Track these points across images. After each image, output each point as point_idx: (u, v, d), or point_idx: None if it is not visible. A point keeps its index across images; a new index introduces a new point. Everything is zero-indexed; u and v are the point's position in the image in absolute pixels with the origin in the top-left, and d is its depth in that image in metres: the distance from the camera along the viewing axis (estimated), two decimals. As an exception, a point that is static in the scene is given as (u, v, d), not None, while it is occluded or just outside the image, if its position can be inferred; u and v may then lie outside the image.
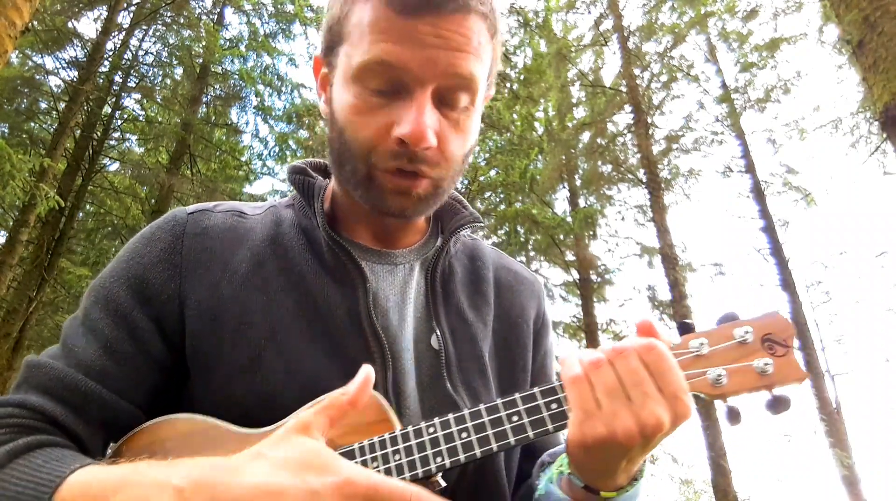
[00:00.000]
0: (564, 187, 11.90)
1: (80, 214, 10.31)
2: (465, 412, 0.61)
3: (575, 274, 11.17)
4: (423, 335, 0.77)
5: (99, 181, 10.32)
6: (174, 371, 0.73)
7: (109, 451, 0.69)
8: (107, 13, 9.59)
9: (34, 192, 6.79)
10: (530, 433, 0.59)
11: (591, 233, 10.83)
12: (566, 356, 0.60)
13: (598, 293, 11.18)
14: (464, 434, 0.60)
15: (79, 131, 9.31)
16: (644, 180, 9.53)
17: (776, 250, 10.69)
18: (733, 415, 0.61)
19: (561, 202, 12.30)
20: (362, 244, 0.82)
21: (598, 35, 11.13)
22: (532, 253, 11.87)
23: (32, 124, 9.92)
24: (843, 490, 9.49)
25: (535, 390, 0.61)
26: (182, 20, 10.29)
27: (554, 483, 0.68)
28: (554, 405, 0.60)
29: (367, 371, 0.61)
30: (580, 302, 11.02)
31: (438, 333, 0.76)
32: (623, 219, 11.39)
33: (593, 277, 10.97)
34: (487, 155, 12.33)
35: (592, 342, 9.69)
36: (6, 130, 9.49)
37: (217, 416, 0.67)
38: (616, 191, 11.24)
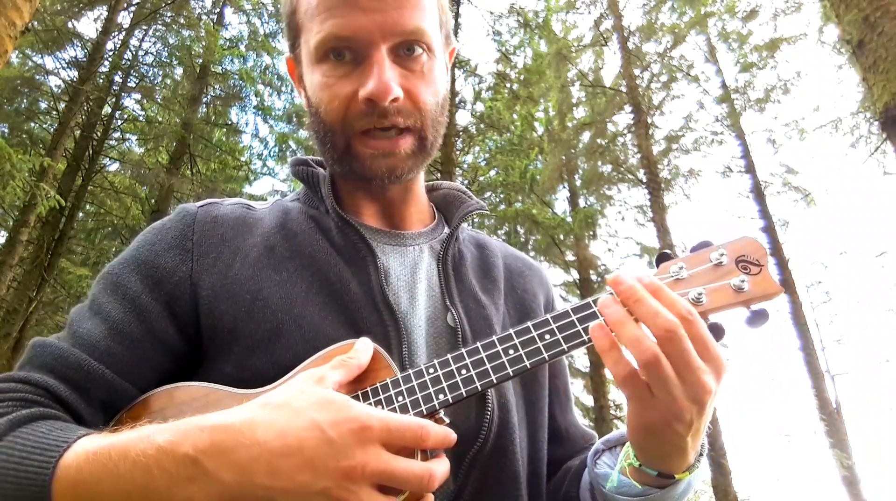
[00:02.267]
0: (564, 187, 11.90)
1: (80, 214, 10.31)
2: (463, 350, 0.64)
3: (575, 274, 11.17)
4: (439, 312, 0.78)
5: (99, 181, 10.31)
6: (186, 354, 0.73)
7: (112, 424, 0.68)
8: (107, 13, 9.59)
9: (34, 192, 6.79)
10: (527, 364, 0.62)
11: (591, 233, 10.83)
12: (613, 343, 0.59)
13: (598, 294, 11.14)
14: (463, 371, 0.63)
15: (79, 131, 9.31)
16: (644, 180, 9.53)
17: (776, 250, 10.69)
18: (716, 331, 0.63)
19: (561, 202, 12.31)
20: (371, 226, 0.84)
21: (598, 35, 11.13)
22: (532, 253, 11.86)
23: (32, 124, 9.92)
24: (843, 490, 9.49)
25: (528, 323, 0.65)
26: (182, 20, 10.29)
27: (628, 476, 0.68)
28: (547, 336, 0.63)
29: (367, 341, 0.65)
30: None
31: (454, 312, 0.77)
32: (623, 219, 11.40)
33: (593, 277, 10.97)
34: (487, 155, 12.33)
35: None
36: (6, 130, 9.48)
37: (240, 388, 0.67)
38: (616, 191, 11.24)
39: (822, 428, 9.97)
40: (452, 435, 0.59)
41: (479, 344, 0.64)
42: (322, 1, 0.72)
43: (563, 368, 0.95)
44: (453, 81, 10.00)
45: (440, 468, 0.56)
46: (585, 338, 0.62)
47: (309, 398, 0.55)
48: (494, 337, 0.64)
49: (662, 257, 0.69)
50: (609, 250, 11.43)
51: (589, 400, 10.82)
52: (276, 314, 0.71)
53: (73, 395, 0.65)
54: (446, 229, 0.90)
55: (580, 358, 11.48)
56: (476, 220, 10.88)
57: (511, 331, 0.64)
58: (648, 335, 0.57)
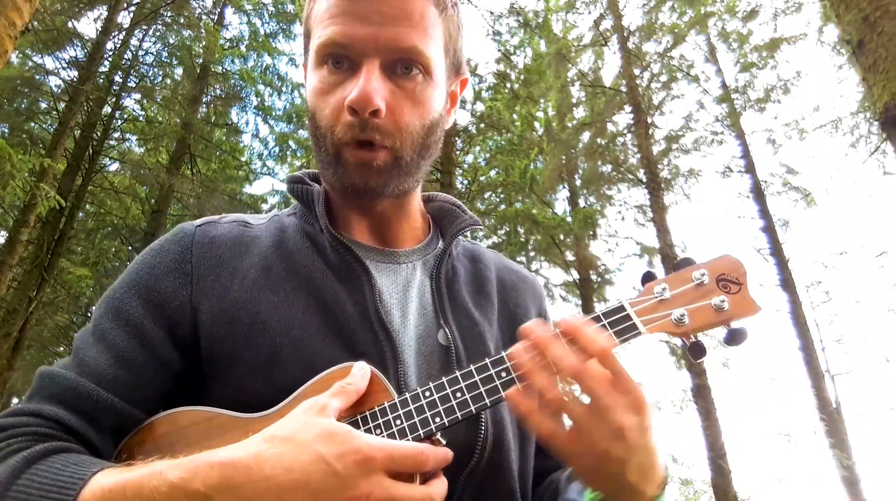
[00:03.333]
0: (564, 187, 11.90)
1: (80, 214, 10.31)
2: (458, 374, 0.66)
3: (575, 274, 11.17)
4: (430, 330, 0.79)
5: (99, 181, 10.31)
6: (187, 377, 0.74)
7: (118, 449, 0.70)
8: (107, 13, 9.59)
9: (34, 192, 6.79)
10: (519, 386, 0.64)
11: (591, 233, 10.83)
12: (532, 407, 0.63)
13: (598, 293, 11.17)
14: (458, 394, 0.64)
15: (79, 131, 9.30)
16: (644, 180, 9.53)
17: (776, 250, 10.69)
18: (697, 350, 0.66)
19: (561, 202, 12.31)
20: (364, 244, 0.84)
21: (597, 35, 11.13)
22: (532, 253, 11.86)
23: (32, 124, 9.92)
24: (843, 490, 9.49)
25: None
26: (182, 20, 10.29)
27: None
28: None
29: (364, 365, 0.66)
30: (580, 302, 11.02)
31: (447, 330, 0.78)
32: (623, 219, 11.39)
33: (593, 277, 10.97)
34: (487, 155, 12.33)
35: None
36: (6, 130, 9.48)
37: (238, 410, 0.69)
38: (616, 191, 11.24)
39: (822, 428, 9.97)
40: (449, 455, 0.62)
41: (472, 368, 0.66)
42: (329, 8, 0.74)
43: None
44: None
45: (439, 489, 0.60)
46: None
47: (312, 430, 0.56)
48: (488, 360, 0.66)
49: (647, 278, 0.70)
50: (609, 250, 11.43)
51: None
52: (275, 338, 0.71)
53: (84, 425, 0.66)
54: (440, 244, 0.90)
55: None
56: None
57: (503, 354, 0.66)
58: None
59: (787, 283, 10.64)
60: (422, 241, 0.90)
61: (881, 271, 11.60)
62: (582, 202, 11.61)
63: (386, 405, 0.65)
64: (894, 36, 3.84)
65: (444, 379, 0.66)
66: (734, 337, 0.66)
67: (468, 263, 0.92)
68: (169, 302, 0.74)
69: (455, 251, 0.90)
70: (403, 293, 0.82)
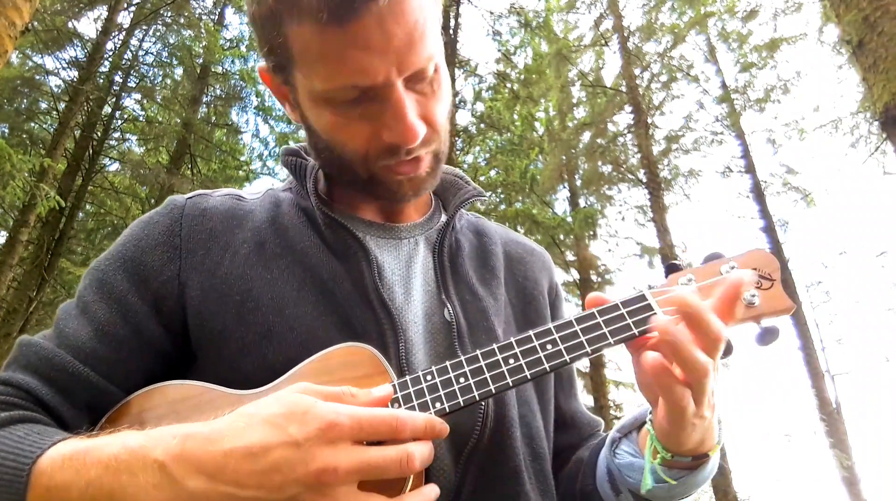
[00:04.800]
0: (564, 187, 11.90)
1: (80, 214, 10.31)
2: (462, 358, 0.63)
3: (575, 274, 11.18)
4: (435, 308, 0.76)
5: (99, 181, 10.32)
6: (174, 355, 0.71)
7: (103, 421, 0.68)
8: (107, 13, 9.59)
9: (34, 192, 6.79)
10: (527, 374, 0.61)
11: (592, 233, 10.83)
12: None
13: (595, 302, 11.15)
14: (461, 379, 0.61)
15: (79, 131, 9.30)
16: (644, 180, 9.53)
17: (776, 251, 10.69)
18: (725, 348, 0.62)
19: (561, 202, 12.32)
20: (364, 219, 0.81)
21: (598, 35, 11.13)
22: (532, 253, 11.84)
23: (32, 124, 9.92)
24: (843, 490, 9.49)
25: (531, 332, 0.63)
26: (182, 20, 10.29)
27: (659, 473, 0.65)
28: (549, 346, 0.62)
29: (387, 390, 0.59)
30: (580, 302, 11.02)
31: (449, 306, 0.75)
32: (623, 219, 11.39)
33: (593, 277, 10.97)
34: (487, 155, 12.34)
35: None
36: (6, 130, 9.48)
37: None
38: (616, 191, 11.24)
39: (822, 428, 9.97)
40: (433, 422, 0.57)
41: (478, 352, 0.63)
42: (324, 45, 0.63)
43: None
44: (453, 81, 10.00)
45: (419, 448, 0.55)
46: (588, 349, 0.61)
47: (277, 404, 0.53)
48: (495, 345, 0.63)
49: (672, 268, 0.67)
50: (609, 250, 11.44)
51: (589, 400, 10.82)
52: (267, 316, 0.69)
53: (56, 397, 0.65)
54: (443, 217, 0.87)
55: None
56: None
57: (512, 340, 0.63)
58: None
59: (787, 283, 10.63)
60: (424, 214, 0.87)
61: (881, 271, 11.60)
62: (582, 202, 11.62)
63: (388, 385, 0.61)
64: (894, 36, 3.84)
65: (447, 363, 0.63)
66: (766, 336, 0.62)
67: (473, 237, 0.88)
68: (155, 276, 0.71)
69: (459, 225, 0.87)
70: (406, 269, 0.79)
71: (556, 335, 0.62)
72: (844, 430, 9.98)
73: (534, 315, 0.85)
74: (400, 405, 0.60)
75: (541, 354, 0.61)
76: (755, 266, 0.64)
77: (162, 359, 0.71)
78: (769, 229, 10.90)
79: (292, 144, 0.87)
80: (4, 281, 8.09)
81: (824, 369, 10.97)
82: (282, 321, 0.68)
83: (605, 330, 0.62)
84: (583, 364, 11.18)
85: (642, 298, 0.64)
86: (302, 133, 0.82)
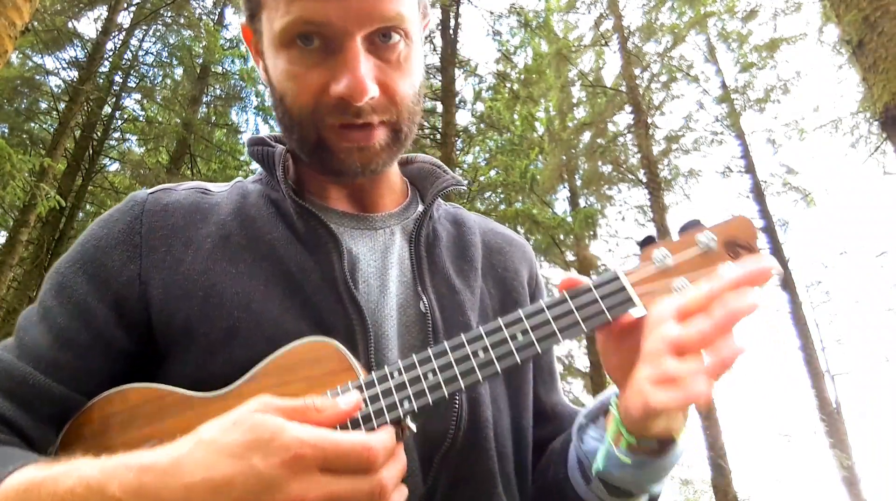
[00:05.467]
0: (565, 187, 11.89)
1: (80, 214, 10.31)
2: (430, 352, 0.59)
3: (575, 274, 11.16)
4: (411, 300, 0.73)
5: (99, 181, 10.32)
6: (140, 358, 0.68)
7: (66, 427, 0.66)
8: (107, 13, 9.60)
9: (34, 192, 6.79)
10: (498, 367, 0.57)
11: (592, 233, 10.83)
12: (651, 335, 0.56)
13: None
14: (430, 375, 0.58)
15: (79, 131, 9.31)
16: (644, 180, 9.53)
17: (776, 250, 10.68)
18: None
19: (561, 202, 12.31)
20: (337, 210, 0.78)
21: (598, 35, 11.13)
22: (532, 253, 11.85)
23: (32, 124, 9.93)
24: (843, 490, 9.49)
25: (500, 321, 0.59)
26: (182, 20, 10.29)
27: (617, 455, 0.62)
28: (520, 335, 0.58)
29: (355, 399, 0.56)
30: (580, 302, 11.01)
31: (424, 299, 0.72)
32: (623, 219, 11.41)
33: (593, 277, 10.96)
34: (487, 155, 12.34)
35: (592, 342, 9.68)
36: (6, 130, 9.48)
37: (199, 391, 0.64)
38: (616, 191, 11.25)
39: (822, 428, 9.98)
40: (398, 446, 0.55)
41: (446, 345, 0.59)
42: None
43: None
44: (453, 80, 10.00)
45: (391, 475, 0.52)
46: (559, 336, 0.58)
47: (239, 429, 0.49)
48: (463, 337, 0.59)
49: (647, 242, 0.63)
50: (609, 250, 11.46)
51: (589, 400, 10.82)
52: (232, 311, 0.66)
53: (17, 412, 0.62)
54: (420, 207, 0.84)
55: (580, 358, 11.49)
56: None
57: (481, 329, 0.59)
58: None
59: (787, 283, 10.63)
60: (400, 204, 0.83)
61: (881, 271, 11.60)
62: (582, 202, 11.62)
63: (350, 386, 0.58)
64: (894, 36, 3.85)
65: (414, 358, 0.59)
66: None
67: (451, 227, 0.85)
68: (115, 277, 0.68)
69: (436, 214, 0.84)
70: (382, 260, 0.75)
71: (526, 324, 0.59)
72: (844, 430, 9.98)
73: (513, 306, 0.80)
74: (367, 405, 0.57)
75: (511, 345, 0.58)
76: (733, 235, 0.61)
77: (128, 362, 0.68)
78: (769, 229, 10.90)
79: (260, 133, 0.84)
80: (4, 281, 8.09)
81: (824, 369, 10.98)
82: (248, 317, 0.66)
83: (578, 316, 0.59)
84: (582, 364, 11.19)
85: (615, 279, 0.61)
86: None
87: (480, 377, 0.57)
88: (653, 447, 0.61)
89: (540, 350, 0.58)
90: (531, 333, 0.59)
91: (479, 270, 0.81)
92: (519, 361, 0.58)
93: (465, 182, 0.85)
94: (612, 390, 0.67)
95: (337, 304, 0.68)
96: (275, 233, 0.72)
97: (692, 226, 0.63)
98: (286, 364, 0.61)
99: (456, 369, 0.58)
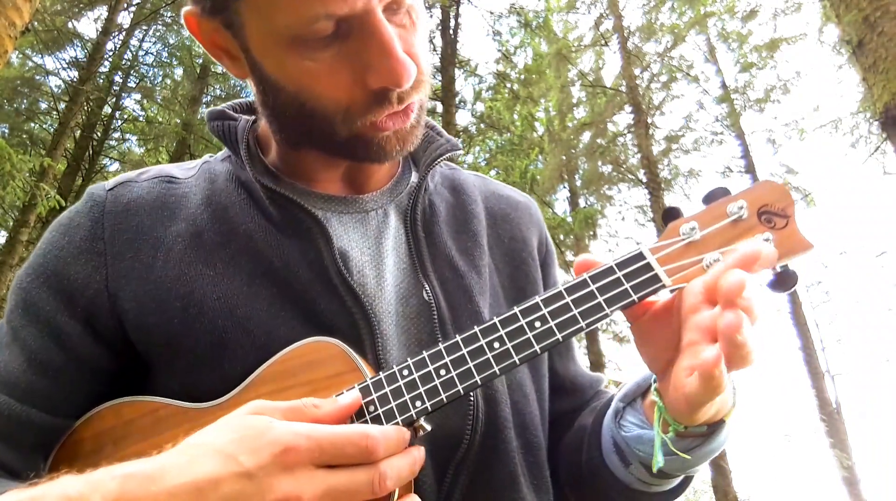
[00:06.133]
0: (565, 188, 11.89)
1: (80, 214, 10.31)
2: (441, 347, 0.55)
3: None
4: (412, 289, 0.67)
5: (99, 181, 10.32)
6: (122, 372, 0.63)
7: (54, 452, 0.62)
8: (107, 13, 9.59)
9: (34, 192, 6.79)
10: (516, 359, 0.53)
11: (592, 233, 10.82)
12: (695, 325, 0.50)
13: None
14: (442, 371, 0.54)
15: (79, 131, 9.31)
16: (644, 180, 9.53)
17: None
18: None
19: (561, 202, 12.31)
20: (320, 193, 0.70)
21: (598, 35, 11.13)
22: (532, 253, 11.85)
23: (32, 124, 9.93)
24: (843, 490, 9.50)
25: (516, 309, 0.55)
26: (182, 20, 10.29)
27: (673, 448, 0.57)
28: (538, 323, 0.54)
29: (355, 396, 0.53)
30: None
31: (427, 287, 0.66)
32: (623, 219, 11.40)
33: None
34: (487, 155, 12.33)
35: (592, 342, 9.68)
36: (6, 130, 9.48)
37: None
38: (616, 191, 11.24)
39: (822, 428, 9.98)
40: (405, 434, 0.51)
41: (459, 338, 0.55)
42: None
43: None
44: (453, 80, 10.00)
45: (393, 465, 0.49)
46: (583, 323, 0.53)
47: (226, 430, 0.46)
48: (476, 328, 0.55)
49: (670, 215, 0.58)
50: (609, 250, 11.43)
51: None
52: (216, 321, 0.60)
53: None
54: (414, 177, 0.76)
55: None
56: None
57: (496, 319, 0.55)
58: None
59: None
60: (392, 177, 0.75)
61: (881, 271, 11.60)
62: (582, 202, 11.61)
63: (356, 388, 0.54)
64: (894, 36, 3.85)
65: (425, 354, 0.55)
66: (783, 281, 0.54)
67: (449, 195, 0.77)
68: (81, 291, 0.62)
69: (432, 184, 0.76)
70: (376, 246, 0.68)
71: (544, 310, 0.54)
72: (844, 430, 9.99)
73: (524, 281, 0.76)
74: (376, 408, 0.53)
75: (529, 334, 0.54)
76: (766, 202, 0.55)
77: (108, 378, 0.63)
78: (769, 229, 10.88)
79: (220, 106, 0.74)
80: (4, 281, 8.08)
81: (824, 369, 10.98)
82: (234, 324, 0.60)
83: (601, 299, 0.54)
84: (584, 364, 11.17)
85: (640, 256, 0.55)
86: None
87: (498, 371, 0.53)
88: (702, 431, 0.56)
89: (561, 338, 0.53)
90: (550, 320, 0.54)
91: (483, 245, 0.74)
92: (539, 351, 0.53)
93: (461, 148, 0.77)
94: (647, 373, 0.61)
95: (333, 298, 0.62)
96: (250, 222, 0.65)
97: (719, 194, 0.58)
98: (286, 369, 0.57)
99: (470, 363, 0.54)
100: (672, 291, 0.55)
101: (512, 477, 0.64)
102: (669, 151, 10.85)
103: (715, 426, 0.56)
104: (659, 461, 0.56)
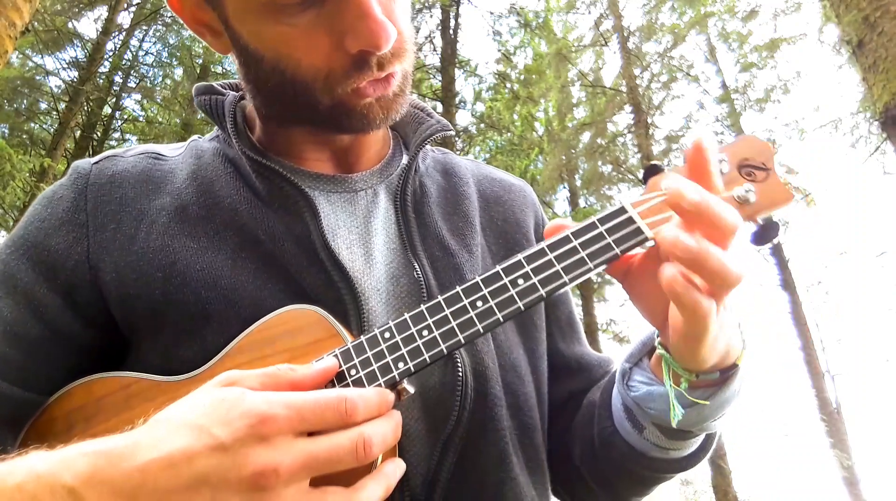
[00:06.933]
0: (564, 188, 11.90)
1: (81, 214, 10.33)
2: (423, 308, 0.54)
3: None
4: (402, 269, 0.66)
5: (99, 181, 10.32)
6: (101, 348, 0.62)
7: (25, 430, 0.60)
8: (107, 13, 9.60)
9: (34, 192, 6.79)
10: (499, 316, 0.52)
11: (591, 233, 10.83)
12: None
13: (598, 293, 11.18)
14: (425, 332, 0.53)
15: (79, 131, 9.31)
16: (644, 181, 9.52)
17: (776, 250, 10.69)
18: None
19: (561, 202, 12.31)
20: (309, 171, 0.69)
21: (598, 35, 11.13)
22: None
23: (32, 125, 9.93)
24: (843, 490, 9.50)
25: (498, 267, 0.54)
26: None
27: (690, 397, 0.55)
28: (521, 281, 0.53)
29: (332, 361, 0.52)
30: (580, 302, 11.03)
31: (417, 266, 0.65)
32: (623, 219, 11.39)
33: (593, 277, 10.97)
34: (487, 155, 12.34)
35: (592, 342, 9.70)
36: (6, 131, 9.49)
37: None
38: (616, 191, 11.24)
39: (822, 428, 9.98)
40: (389, 396, 0.50)
41: (441, 299, 0.53)
42: None
43: (561, 295, 0.80)
44: (453, 80, 10.01)
45: (376, 428, 0.47)
46: (566, 278, 0.53)
47: (198, 403, 0.45)
48: (459, 288, 0.54)
49: (651, 171, 0.57)
50: (609, 250, 11.43)
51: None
52: (199, 292, 0.59)
53: None
54: (404, 158, 0.76)
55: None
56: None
57: (478, 278, 0.54)
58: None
59: (787, 283, 10.64)
60: (382, 157, 0.74)
61: (881, 271, 11.60)
62: (582, 202, 11.62)
63: (337, 352, 0.53)
64: (894, 36, 3.85)
65: (406, 316, 0.53)
66: (764, 234, 0.54)
67: (440, 177, 0.77)
68: (62, 262, 0.61)
69: (423, 166, 0.75)
70: (365, 226, 0.67)
71: (527, 268, 0.53)
72: (844, 430, 9.99)
73: None
74: (358, 371, 0.52)
75: (512, 291, 0.53)
76: (746, 156, 0.56)
77: (86, 353, 0.62)
78: (769, 229, 10.89)
79: (207, 82, 0.74)
80: (4, 281, 8.10)
81: (824, 369, 10.98)
82: (217, 296, 0.59)
83: (583, 254, 0.53)
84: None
85: (621, 211, 0.55)
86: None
87: (481, 329, 0.52)
88: (714, 378, 0.55)
89: (544, 294, 0.52)
90: (533, 277, 0.53)
91: (476, 226, 0.73)
92: (522, 307, 0.52)
93: (452, 129, 0.76)
94: (650, 329, 0.61)
95: (319, 273, 0.61)
96: (235, 196, 0.65)
97: None
98: (263, 338, 0.56)
99: (453, 322, 0.52)
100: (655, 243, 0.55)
101: (503, 457, 0.63)
102: (669, 151, 10.85)
103: (728, 372, 0.55)
104: (677, 413, 0.54)
